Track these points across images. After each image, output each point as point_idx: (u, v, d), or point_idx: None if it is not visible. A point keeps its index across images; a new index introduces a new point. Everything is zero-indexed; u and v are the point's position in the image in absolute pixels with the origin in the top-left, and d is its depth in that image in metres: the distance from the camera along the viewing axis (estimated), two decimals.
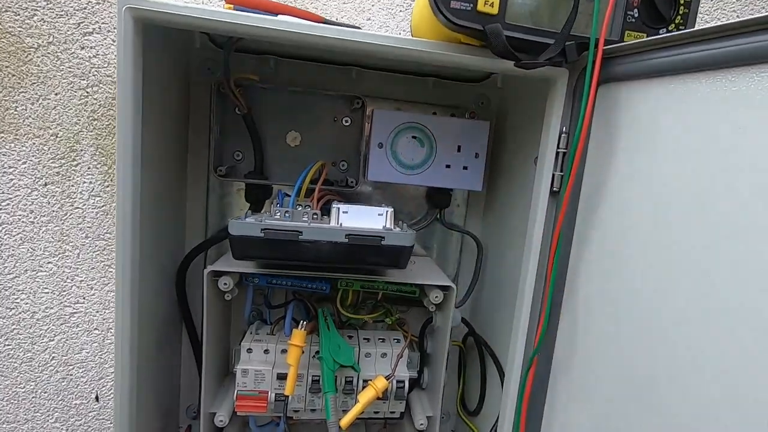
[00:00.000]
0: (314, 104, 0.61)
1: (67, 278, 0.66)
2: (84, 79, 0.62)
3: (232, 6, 0.46)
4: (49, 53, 0.61)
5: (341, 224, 0.49)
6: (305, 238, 0.46)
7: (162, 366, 0.57)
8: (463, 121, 0.62)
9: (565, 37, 0.40)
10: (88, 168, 0.64)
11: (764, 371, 0.28)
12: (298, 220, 0.48)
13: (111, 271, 0.67)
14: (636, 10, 0.42)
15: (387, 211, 0.50)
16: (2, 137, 0.61)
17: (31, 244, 0.64)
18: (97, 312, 0.68)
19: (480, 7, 0.39)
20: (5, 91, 0.60)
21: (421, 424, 0.57)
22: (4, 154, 0.62)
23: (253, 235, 0.46)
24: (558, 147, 0.46)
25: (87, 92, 0.62)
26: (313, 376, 0.54)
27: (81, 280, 0.66)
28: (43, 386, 0.69)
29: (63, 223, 0.64)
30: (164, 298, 0.57)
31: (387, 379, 0.54)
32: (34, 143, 0.62)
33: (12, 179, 0.62)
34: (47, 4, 0.60)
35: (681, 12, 0.42)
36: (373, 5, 0.66)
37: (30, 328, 0.67)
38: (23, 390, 0.69)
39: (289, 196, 0.54)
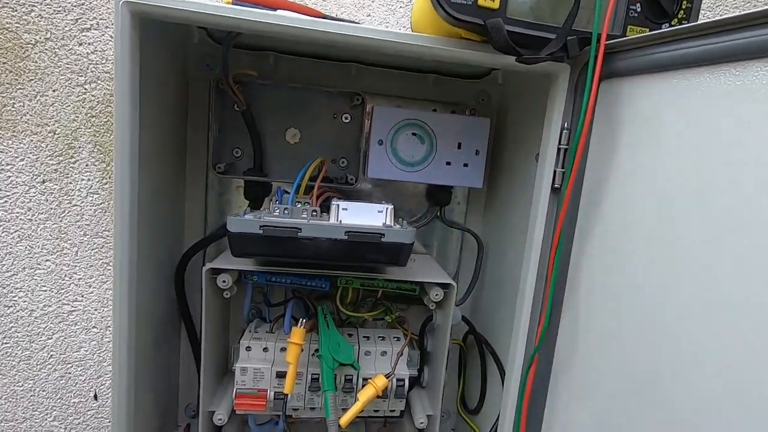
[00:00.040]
0: (314, 101, 0.60)
1: (66, 276, 0.66)
2: (82, 76, 0.61)
3: (230, 0, 0.46)
4: (46, 49, 0.60)
5: (341, 221, 0.48)
6: (304, 235, 0.46)
7: (160, 364, 0.57)
8: (464, 118, 0.61)
9: (567, 32, 0.40)
10: (86, 165, 0.63)
11: (767, 366, 0.28)
12: (298, 217, 0.48)
13: (109, 269, 0.66)
14: (638, 5, 0.41)
15: (387, 208, 0.50)
16: (0, 134, 0.61)
17: (29, 242, 0.64)
18: (96, 310, 0.68)
19: (481, 1, 0.39)
20: (2, 87, 0.60)
21: (421, 423, 0.57)
22: (1, 151, 0.61)
23: (251, 232, 0.45)
24: (559, 143, 0.45)
25: (85, 89, 0.61)
26: (312, 374, 0.54)
27: (79, 278, 0.66)
28: (41, 385, 0.69)
29: (61, 221, 0.64)
30: (163, 296, 0.56)
31: (387, 378, 0.53)
32: (31, 140, 0.62)
33: (9, 176, 0.62)
34: (45, 0, 0.59)
35: (684, 6, 0.42)
36: (372, 1, 0.66)
37: (28, 326, 0.67)
38: (21, 388, 0.68)
39: (289, 193, 0.54)
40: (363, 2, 0.65)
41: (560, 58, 0.41)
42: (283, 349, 0.53)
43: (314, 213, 0.49)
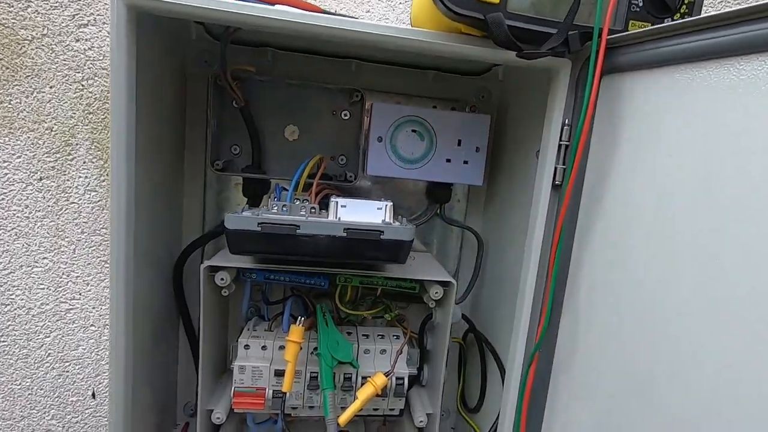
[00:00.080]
0: (313, 97, 0.60)
1: (63, 274, 0.65)
2: (79, 72, 0.61)
3: None
4: (43, 45, 0.60)
5: (339, 218, 0.48)
6: (303, 232, 0.45)
7: (158, 363, 0.57)
8: (464, 115, 0.61)
9: (568, 27, 0.40)
10: (84, 162, 0.63)
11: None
12: (296, 215, 0.48)
13: (107, 267, 0.66)
14: (640, 0, 0.41)
15: (386, 205, 0.49)
16: None
17: (26, 240, 0.64)
18: (94, 308, 0.67)
19: None
20: None
21: (421, 422, 0.57)
22: None
23: (249, 230, 0.45)
24: (560, 140, 0.45)
25: (82, 85, 0.61)
26: (311, 372, 0.53)
27: (77, 276, 0.66)
28: (39, 383, 0.68)
29: (58, 219, 0.64)
30: (161, 295, 0.56)
31: (386, 376, 0.53)
32: (28, 137, 0.61)
33: (6, 174, 0.62)
34: None
35: (686, 1, 0.41)
36: None
37: (25, 324, 0.66)
38: (19, 387, 0.68)
39: (287, 190, 0.53)
40: None
41: (561, 54, 0.41)
42: (282, 348, 0.53)
43: (313, 210, 0.48)
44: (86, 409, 0.70)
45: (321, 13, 0.42)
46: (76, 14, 0.60)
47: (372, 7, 0.65)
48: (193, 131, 0.59)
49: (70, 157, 0.62)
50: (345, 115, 0.61)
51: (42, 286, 0.65)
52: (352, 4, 0.65)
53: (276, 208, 0.48)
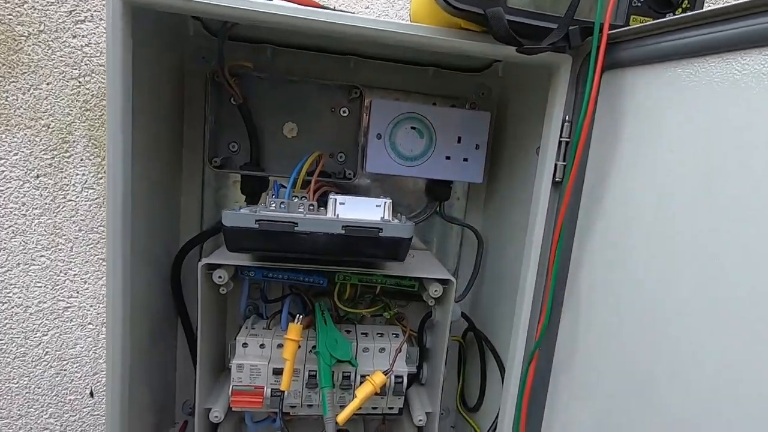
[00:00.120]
0: (311, 94, 0.59)
1: (61, 272, 0.65)
2: (76, 69, 0.60)
3: None
4: (40, 42, 0.59)
5: (338, 215, 0.47)
6: (301, 229, 0.45)
7: (156, 361, 0.56)
8: (464, 112, 0.61)
9: (569, 22, 0.39)
10: (81, 160, 0.62)
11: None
12: (294, 212, 0.47)
13: (105, 265, 0.64)
14: None
15: (385, 203, 0.49)
16: None
17: (23, 237, 0.63)
18: (91, 306, 0.67)
19: None
20: None
21: (420, 420, 0.56)
22: None
23: (247, 227, 0.44)
24: (561, 136, 0.44)
25: (79, 82, 0.61)
26: (309, 371, 0.53)
27: (74, 274, 0.65)
28: (36, 381, 0.68)
29: (56, 216, 0.63)
30: (159, 293, 0.55)
31: (385, 374, 0.53)
32: (25, 134, 0.61)
33: (3, 171, 0.61)
34: None
35: None
36: None
37: (23, 322, 0.66)
38: (17, 385, 0.68)
39: (285, 187, 0.53)
40: None
41: (562, 49, 0.41)
42: (280, 346, 0.53)
43: (311, 207, 0.48)
44: (84, 407, 0.70)
45: (319, 8, 0.42)
46: (73, 10, 0.59)
47: (371, 3, 0.65)
48: (191, 128, 0.59)
49: (68, 154, 0.62)
50: (344, 112, 0.60)
51: (39, 284, 0.65)
52: (352, 0, 0.64)
53: (274, 205, 0.48)
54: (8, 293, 0.65)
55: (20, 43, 0.59)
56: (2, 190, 0.62)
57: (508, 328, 0.50)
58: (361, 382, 0.53)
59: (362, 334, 0.57)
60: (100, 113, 0.62)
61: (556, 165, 0.45)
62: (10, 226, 0.63)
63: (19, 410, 0.69)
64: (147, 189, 0.48)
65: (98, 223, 0.64)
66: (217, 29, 0.54)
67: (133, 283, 0.45)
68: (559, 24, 0.39)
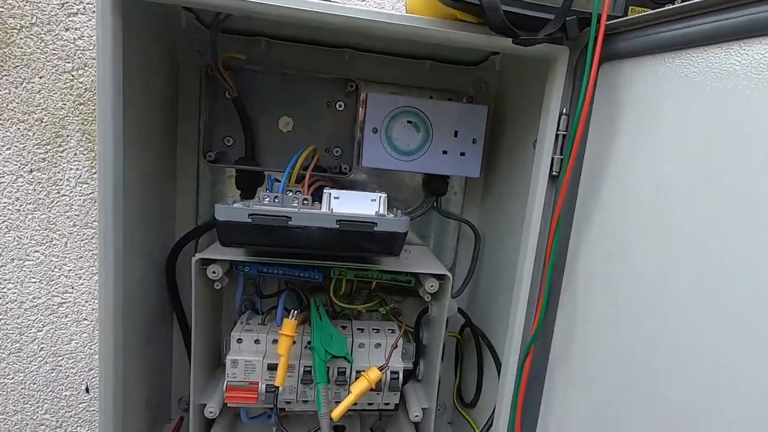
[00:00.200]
0: (307, 88, 0.59)
1: (55, 267, 0.65)
2: (69, 62, 0.60)
3: None
4: (32, 35, 0.59)
5: (332, 210, 0.47)
6: (295, 224, 0.44)
7: (151, 357, 0.56)
8: (461, 106, 0.60)
9: (566, 13, 0.39)
10: (75, 154, 0.62)
11: (766, 359, 0.27)
12: (288, 206, 0.47)
13: None
14: None
15: (380, 197, 0.48)
16: None
17: (17, 233, 0.63)
18: (86, 302, 0.66)
19: None
20: None
21: (417, 416, 0.56)
22: None
23: (240, 221, 0.44)
24: (558, 129, 0.44)
25: (72, 75, 0.60)
26: (305, 366, 0.53)
27: (69, 270, 0.65)
28: (32, 377, 0.68)
29: (50, 211, 0.63)
30: (154, 288, 0.55)
31: (381, 370, 0.52)
32: (18, 128, 0.60)
33: None
34: None
35: None
36: None
37: (18, 318, 0.66)
38: (12, 381, 0.67)
39: (280, 181, 0.52)
40: None
41: (559, 40, 0.40)
42: (275, 342, 0.52)
43: (305, 201, 0.48)
44: (80, 403, 0.70)
45: None
46: (66, 3, 0.58)
47: None
48: (186, 122, 0.58)
49: (61, 148, 0.61)
50: (340, 105, 0.60)
51: (34, 280, 0.65)
52: None
53: (268, 199, 0.47)
54: (3, 289, 0.64)
55: (12, 36, 0.58)
56: None
57: (505, 324, 0.50)
58: (356, 378, 0.52)
59: (358, 329, 0.57)
60: (93, 107, 0.61)
61: (553, 158, 0.44)
62: (3, 221, 0.62)
63: (14, 406, 0.68)
64: (140, 182, 0.47)
65: (92, 219, 0.64)
66: (209, 21, 0.53)
67: (126, 277, 0.44)
68: (556, 15, 0.39)
